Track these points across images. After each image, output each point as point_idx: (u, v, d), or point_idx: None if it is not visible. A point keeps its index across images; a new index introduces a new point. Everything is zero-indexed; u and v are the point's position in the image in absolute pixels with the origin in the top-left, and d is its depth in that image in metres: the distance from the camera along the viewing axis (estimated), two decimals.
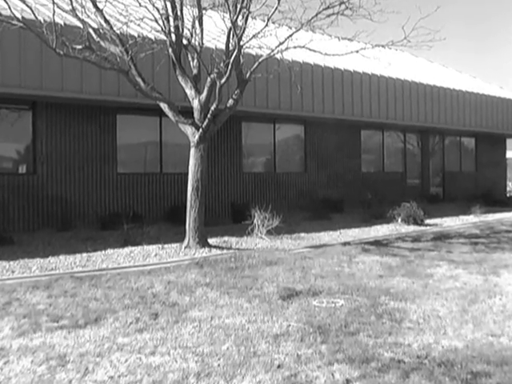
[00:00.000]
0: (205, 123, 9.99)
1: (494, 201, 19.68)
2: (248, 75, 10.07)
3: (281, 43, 9.80)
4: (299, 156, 17.43)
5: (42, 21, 9.88)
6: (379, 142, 19.85)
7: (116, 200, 13.27)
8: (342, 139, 18.28)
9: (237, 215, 13.60)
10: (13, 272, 7.67)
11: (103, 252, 9.36)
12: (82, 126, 12.77)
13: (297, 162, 17.35)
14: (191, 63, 10.48)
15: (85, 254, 9.10)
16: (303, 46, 10.01)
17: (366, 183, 18.66)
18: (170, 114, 10.10)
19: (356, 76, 17.08)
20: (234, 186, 15.48)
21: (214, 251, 9.56)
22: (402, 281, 7.22)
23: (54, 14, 8.46)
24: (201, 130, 9.98)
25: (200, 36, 10.08)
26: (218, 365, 4.23)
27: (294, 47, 9.94)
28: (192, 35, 10.13)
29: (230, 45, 9.74)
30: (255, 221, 11.18)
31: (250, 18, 9.75)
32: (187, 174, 10.10)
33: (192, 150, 10.06)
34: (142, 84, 9.54)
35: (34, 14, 8.61)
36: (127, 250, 9.58)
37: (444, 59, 58.77)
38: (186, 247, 9.71)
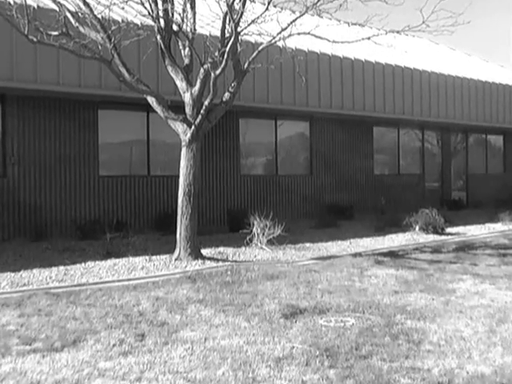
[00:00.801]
0: (198, 120, 10.03)
1: None
2: (246, 65, 10.13)
3: (283, 29, 9.84)
4: (304, 157, 17.52)
5: (12, 2, 9.91)
6: (394, 140, 19.97)
7: (97, 206, 13.34)
8: (352, 138, 18.38)
9: (234, 223, 13.71)
10: None
11: (83, 265, 9.39)
12: (59, 122, 12.81)
13: (301, 164, 17.44)
14: (182, 52, 10.51)
15: (62, 268, 9.11)
16: (308, 33, 10.03)
17: (379, 187, 18.78)
18: (158, 109, 10.14)
19: (368, 66, 17.16)
20: (231, 190, 15.56)
21: (209, 263, 9.62)
22: (420, 297, 7.25)
23: None
24: (193, 127, 10.02)
25: (192, 21, 10.11)
26: None
27: (298, 34, 9.96)
28: (183, 20, 10.17)
29: (226, 31, 9.75)
30: (254, 229, 11.25)
31: (248, 1, 9.85)
32: (178, 176, 10.16)
33: (183, 150, 10.09)
34: (126, 75, 9.56)
35: None
36: (110, 262, 9.62)
37: (468, 46, 59.03)
38: (176, 259, 9.77)
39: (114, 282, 8.23)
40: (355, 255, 10.46)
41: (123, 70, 9.59)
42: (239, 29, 9.60)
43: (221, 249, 11.04)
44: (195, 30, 10.27)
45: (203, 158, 14.22)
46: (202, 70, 10.05)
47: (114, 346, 5.29)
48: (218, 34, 10.17)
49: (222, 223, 14.93)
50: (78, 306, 6.72)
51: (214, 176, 15.26)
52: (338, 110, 16.54)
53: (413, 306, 6.76)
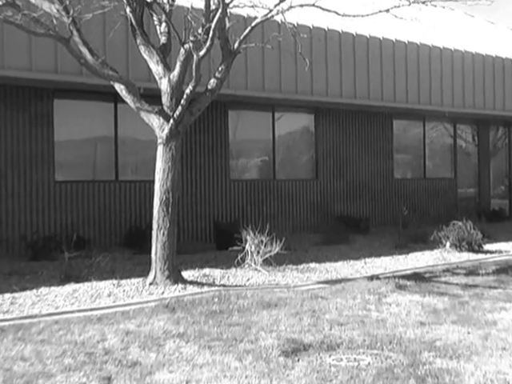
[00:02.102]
0: (177, 112, 10.05)
1: None
2: (237, 45, 10.15)
3: (281, 0, 9.86)
4: (308, 157, 17.59)
5: None
6: (419, 137, 20.05)
7: (53, 219, 13.34)
8: (367, 134, 18.47)
9: (222, 239, 13.81)
10: None
11: (34, 291, 9.33)
12: (4, 114, 12.86)
13: (305, 166, 17.54)
14: (158, 28, 10.55)
15: (8, 295, 9.04)
16: (313, 4, 10.01)
17: (401, 194, 18.91)
18: (128, 98, 10.14)
19: (386, 44, 17.24)
20: (219, 198, 15.67)
21: (191, 289, 9.64)
22: (452, 330, 7.24)
23: None
24: (172, 121, 10.03)
25: None
26: None
27: (301, 6, 9.96)
28: None
29: (212, 2, 9.79)
30: (248, 246, 11.33)
31: None
32: (153, 182, 10.20)
33: (160, 150, 10.11)
34: (88, 57, 9.53)
35: None
36: (69, 288, 9.57)
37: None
38: (151, 283, 9.79)
39: (73, 312, 8.18)
40: (371, 278, 10.52)
41: (84, 51, 9.55)
42: (228, 0, 9.62)
43: (206, 270, 11.10)
44: (174, 1, 10.30)
45: (184, 160, 14.30)
46: (182, 51, 10.04)
47: None
48: (202, 6, 10.17)
49: (208, 239, 15.04)
50: (28, 343, 6.65)
51: (198, 181, 15.36)
52: (349, 99, 16.62)
53: (443, 342, 6.75)
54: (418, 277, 10.70)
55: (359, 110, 17.80)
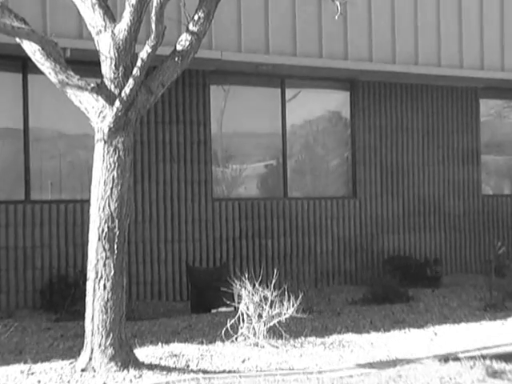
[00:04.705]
0: (127, 88, 9.87)
1: None
2: None
3: None
4: (340, 161, 17.72)
5: None
6: None
7: None
8: (436, 121, 18.49)
9: (201, 294, 13.91)
10: None
11: None
12: None
13: (335, 175, 17.66)
14: None
15: None
16: None
17: (492, 220, 18.95)
18: (46, 67, 9.97)
19: None
20: (195, 228, 15.80)
21: (150, 377, 9.55)
22: None
23: None
24: (118, 103, 9.84)
25: None
26: None
27: None
28: None
29: None
30: (243, 307, 11.31)
31: None
32: (87, 202, 10.10)
33: (99, 150, 9.95)
34: None
35: None
36: None
37: None
38: (84, 369, 9.60)
39: None
40: (446, 359, 10.40)
41: None
42: None
43: (175, 347, 11.08)
44: None
45: (137, 167, 14.45)
46: None
47: None
48: None
49: (178, 295, 15.22)
50: None
51: (161, 202, 15.45)
52: (406, 65, 16.83)
53: None
54: None
55: (423, 85, 17.92)
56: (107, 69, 10.04)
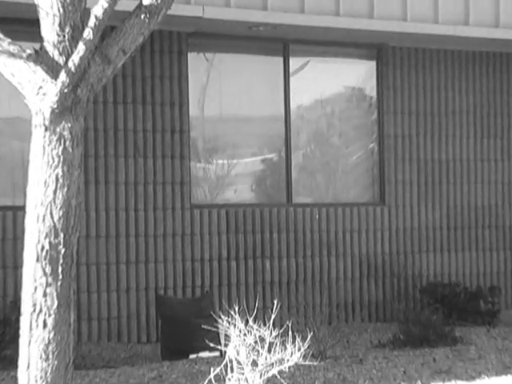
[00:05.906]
0: (76, 55, 8.79)
1: None
2: None
3: None
4: (363, 153, 16.92)
5: None
6: None
7: None
8: (494, 105, 17.61)
9: (176, 334, 13.56)
10: None
11: None
12: None
13: (355, 173, 16.92)
14: None
15: None
16: None
17: None
18: None
19: None
20: (167, 245, 14.94)
21: None
22: None
23: None
24: (64, 74, 8.73)
25: None
26: None
27: None
28: None
29: None
30: (231, 351, 10.43)
31: None
32: (22, 209, 8.95)
33: (38, 139, 8.70)
34: None
35: None
36: None
37: None
38: None
39: None
40: None
41: None
42: None
43: None
44: None
45: (90, 163, 14.09)
46: None
47: None
48: None
49: (145, 334, 14.60)
50: None
51: (121, 210, 14.66)
52: (450, 26, 15.68)
53: None
54: None
55: (479, 53, 17.03)
56: (49, 29, 8.85)
